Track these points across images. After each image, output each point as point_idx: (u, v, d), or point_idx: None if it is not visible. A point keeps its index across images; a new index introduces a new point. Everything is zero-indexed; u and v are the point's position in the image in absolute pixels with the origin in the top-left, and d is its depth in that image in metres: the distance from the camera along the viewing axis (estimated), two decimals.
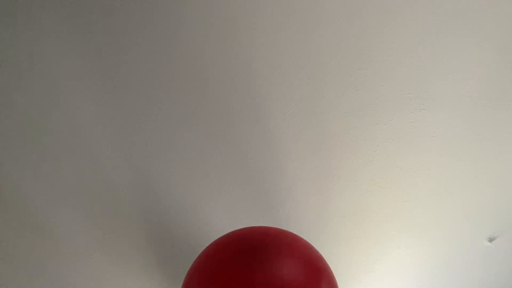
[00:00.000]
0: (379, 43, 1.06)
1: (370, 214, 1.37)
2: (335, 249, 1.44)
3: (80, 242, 1.24)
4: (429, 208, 1.37)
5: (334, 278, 0.86)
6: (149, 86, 1.07)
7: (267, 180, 1.25)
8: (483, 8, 1.02)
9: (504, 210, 1.41)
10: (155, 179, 1.19)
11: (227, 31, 1.02)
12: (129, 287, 1.37)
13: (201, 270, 0.83)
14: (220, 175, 1.22)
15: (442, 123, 1.19)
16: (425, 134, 1.21)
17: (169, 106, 1.10)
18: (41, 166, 1.11)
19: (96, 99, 1.06)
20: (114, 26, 0.98)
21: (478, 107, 1.17)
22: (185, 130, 1.14)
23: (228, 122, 1.14)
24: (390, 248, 1.46)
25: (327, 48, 1.06)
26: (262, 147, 1.19)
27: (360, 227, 1.39)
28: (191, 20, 1.00)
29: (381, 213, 1.37)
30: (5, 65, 0.99)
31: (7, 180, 1.11)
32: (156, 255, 1.32)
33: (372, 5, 1.01)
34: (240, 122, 1.15)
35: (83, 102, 1.06)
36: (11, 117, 1.05)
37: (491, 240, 1.48)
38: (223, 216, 1.29)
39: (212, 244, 0.91)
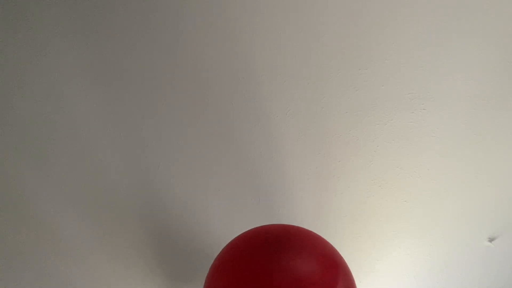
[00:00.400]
0: (379, 43, 1.06)
1: (370, 214, 1.37)
2: None
3: (80, 242, 1.24)
4: (429, 208, 1.37)
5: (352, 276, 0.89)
6: (149, 86, 1.07)
7: (267, 180, 1.25)
8: (483, 8, 1.02)
9: (504, 210, 1.41)
10: (155, 179, 1.19)
11: (227, 31, 1.02)
12: (129, 287, 1.37)
13: (227, 259, 0.86)
14: (220, 175, 1.22)
15: (442, 123, 1.19)
16: (425, 134, 1.21)
17: (169, 106, 1.10)
18: (41, 166, 1.11)
19: (96, 99, 1.06)
20: (114, 26, 0.98)
21: (478, 107, 1.17)
22: (185, 130, 1.14)
23: (228, 122, 1.14)
24: (390, 248, 1.46)
25: (327, 48, 1.06)
26: (262, 147, 1.19)
27: (360, 227, 1.39)
28: (192, 20, 1.00)
29: (381, 213, 1.37)
30: (5, 66, 0.99)
31: (7, 180, 1.11)
32: (156, 255, 1.32)
33: (372, 5, 1.01)
34: (240, 122, 1.15)
35: (83, 102, 1.06)
36: (11, 117, 1.05)
37: (491, 240, 1.48)
38: (223, 216, 1.29)
39: (235, 238, 0.94)
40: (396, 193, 1.33)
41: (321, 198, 1.31)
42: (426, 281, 1.59)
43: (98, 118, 1.09)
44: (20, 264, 1.23)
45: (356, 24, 1.03)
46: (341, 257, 0.90)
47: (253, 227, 0.96)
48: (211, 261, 0.95)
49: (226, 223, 1.30)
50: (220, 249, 0.95)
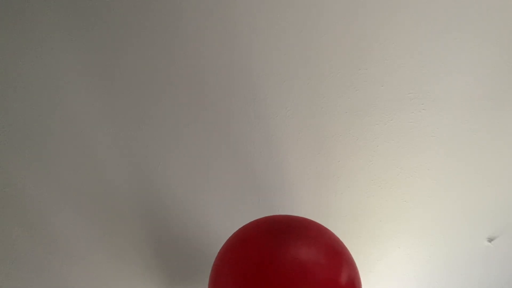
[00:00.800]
0: (379, 43, 1.06)
1: (370, 214, 1.37)
2: None
3: (80, 242, 1.24)
4: (429, 208, 1.37)
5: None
6: (150, 86, 1.07)
7: (267, 180, 1.25)
8: (483, 8, 1.02)
9: (504, 210, 1.41)
10: (155, 179, 1.19)
11: (227, 31, 1.02)
12: (129, 287, 1.37)
13: (233, 245, 0.88)
14: (220, 175, 1.22)
15: (442, 123, 1.19)
16: (425, 134, 1.21)
17: (169, 106, 1.10)
18: (40, 166, 1.11)
19: (96, 99, 1.06)
20: (113, 26, 0.98)
21: (478, 107, 1.17)
22: (185, 130, 1.14)
23: (228, 122, 1.14)
24: (390, 248, 1.47)
25: (327, 48, 1.06)
26: (262, 147, 1.19)
27: (360, 227, 1.39)
28: (191, 20, 1.00)
29: (381, 213, 1.37)
30: (5, 66, 0.99)
31: (7, 180, 1.11)
32: (156, 255, 1.32)
33: (372, 5, 1.01)
34: (240, 122, 1.15)
35: (83, 102, 1.06)
36: (11, 118, 1.05)
37: (491, 240, 1.48)
38: (223, 216, 1.29)
39: (243, 226, 0.96)
40: (396, 193, 1.33)
41: (321, 198, 1.31)
42: (426, 281, 1.60)
43: (98, 118, 1.09)
44: (20, 264, 1.23)
45: (356, 24, 1.03)
46: (346, 247, 0.90)
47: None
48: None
49: (226, 223, 1.30)
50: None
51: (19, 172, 1.11)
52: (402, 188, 1.32)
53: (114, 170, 1.16)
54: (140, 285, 1.37)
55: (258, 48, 1.05)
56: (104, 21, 0.97)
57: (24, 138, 1.07)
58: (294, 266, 0.75)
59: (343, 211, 1.35)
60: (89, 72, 1.03)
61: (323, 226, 0.95)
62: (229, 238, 0.94)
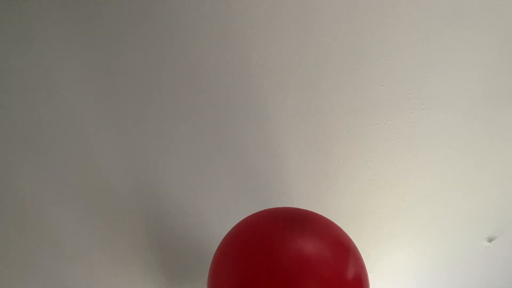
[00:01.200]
0: (379, 43, 1.06)
1: (370, 214, 1.37)
2: None
3: (80, 242, 1.24)
4: (429, 208, 1.37)
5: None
6: (149, 86, 1.07)
7: (267, 180, 1.26)
8: (483, 8, 1.02)
9: (504, 210, 1.41)
10: (155, 180, 1.19)
11: (227, 31, 1.02)
12: (129, 287, 1.37)
13: (236, 235, 0.86)
14: (220, 175, 1.22)
15: (442, 123, 1.19)
16: (425, 134, 1.21)
17: (169, 107, 1.10)
18: (40, 166, 1.12)
19: (96, 100, 1.06)
20: (113, 26, 0.98)
21: (478, 107, 1.17)
22: (185, 130, 1.14)
23: (228, 122, 1.14)
24: (390, 248, 1.47)
25: (326, 48, 1.06)
26: (262, 147, 1.19)
27: (360, 227, 1.39)
28: (191, 20, 1.00)
29: (381, 213, 1.37)
30: (4, 66, 0.99)
31: (7, 180, 1.11)
32: (156, 255, 1.32)
33: (371, 5, 1.01)
34: (240, 122, 1.15)
35: (82, 102, 1.06)
36: (11, 118, 1.05)
37: (490, 240, 1.48)
38: (223, 216, 1.29)
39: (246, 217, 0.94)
40: (396, 193, 1.33)
41: (320, 198, 1.31)
42: (426, 281, 1.59)
43: (98, 118, 1.09)
44: (20, 265, 1.23)
45: (355, 24, 1.03)
46: (353, 242, 0.89)
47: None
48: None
49: (225, 223, 1.30)
50: None
51: (19, 172, 1.11)
52: (402, 188, 1.32)
53: (114, 170, 1.16)
54: (140, 285, 1.37)
55: (258, 48, 1.05)
56: (104, 21, 0.97)
57: (24, 138, 1.07)
58: (300, 258, 0.73)
59: (343, 211, 1.35)
60: (89, 72, 1.03)
61: (331, 221, 0.93)
62: (231, 229, 0.93)
